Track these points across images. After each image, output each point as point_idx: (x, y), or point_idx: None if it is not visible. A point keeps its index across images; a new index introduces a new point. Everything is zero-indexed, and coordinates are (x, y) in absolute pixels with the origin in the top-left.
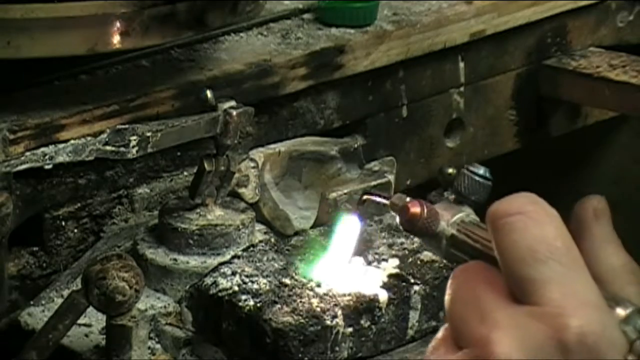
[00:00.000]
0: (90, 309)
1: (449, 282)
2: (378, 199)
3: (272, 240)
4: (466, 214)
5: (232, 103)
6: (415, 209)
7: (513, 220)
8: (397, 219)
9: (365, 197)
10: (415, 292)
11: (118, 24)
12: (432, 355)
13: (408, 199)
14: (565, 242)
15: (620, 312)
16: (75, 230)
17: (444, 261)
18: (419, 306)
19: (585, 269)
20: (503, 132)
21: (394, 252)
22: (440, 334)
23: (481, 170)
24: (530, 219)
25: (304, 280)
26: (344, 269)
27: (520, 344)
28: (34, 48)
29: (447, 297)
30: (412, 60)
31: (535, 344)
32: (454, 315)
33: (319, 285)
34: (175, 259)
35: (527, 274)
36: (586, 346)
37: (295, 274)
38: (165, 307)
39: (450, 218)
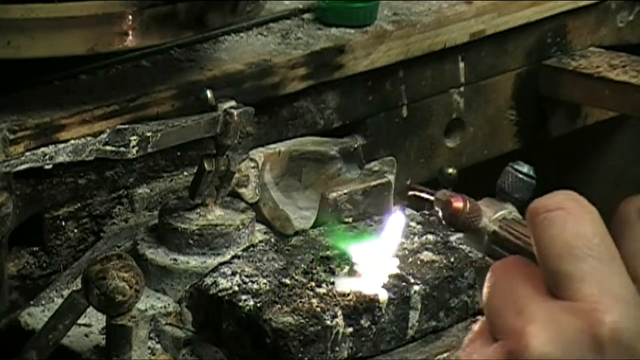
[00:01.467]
0: (90, 309)
1: (488, 275)
2: (424, 195)
3: (272, 240)
4: (508, 211)
5: (232, 103)
6: (458, 203)
7: (552, 215)
8: (440, 213)
9: (410, 192)
10: (415, 292)
11: (118, 24)
12: (469, 347)
13: (451, 194)
14: (603, 239)
15: None
16: (75, 230)
17: (444, 261)
18: (419, 306)
19: (622, 267)
20: (503, 132)
21: (394, 252)
22: (477, 326)
23: (525, 169)
24: (570, 214)
25: (305, 280)
26: (384, 261)
27: (555, 337)
28: (34, 48)
29: (485, 290)
30: (412, 60)
31: (570, 338)
32: (491, 308)
33: (319, 286)
34: (175, 259)
35: (564, 269)
36: (620, 342)
37: (296, 273)
38: (165, 307)
39: (493, 214)
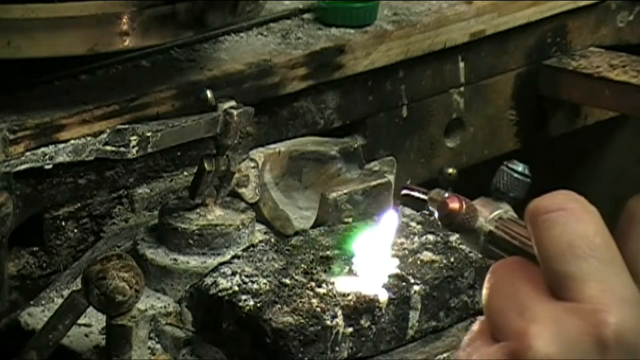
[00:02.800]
0: (90, 309)
1: (487, 276)
2: (417, 194)
3: (272, 240)
4: (504, 210)
5: (232, 103)
6: (454, 204)
7: (554, 216)
8: (436, 214)
9: (404, 192)
10: (415, 292)
11: (118, 24)
12: (468, 347)
13: (446, 194)
14: (604, 240)
15: None
16: (75, 230)
17: (444, 261)
18: (419, 306)
19: (624, 267)
20: (503, 132)
21: (394, 252)
22: (476, 326)
23: (520, 167)
24: (571, 215)
25: (305, 280)
26: (380, 262)
27: (558, 338)
28: (34, 48)
29: (484, 291)
30: (412, 60)
31: (573, 339)
32: (491, 308)
33: (319, 286)
34: (175, 259)
35: (566, 270)
36: (624, 343)
37: (296, 273)
38: (165, 307)
39: (489, 214)
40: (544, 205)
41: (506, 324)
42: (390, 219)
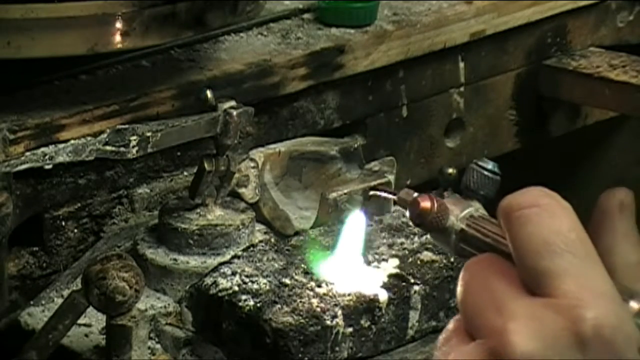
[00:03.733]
0: (90, 309)
1: (461, 273)
2: (385, 194)
3: (272, 240)
4: (475, 208)
5: (232, 103)
6: (426, 203)
7: (527, 212)
8: (407, 214)
9: (372, 192)
10: (415, 292)
11: (118, 24)
12: (444, 347)
13: (416, 194)
14: (579, 235)
15: (634, 305)
16: (75, 230)
17: (444, 261)
18: (419, 306)
19: (599, 262)
20: (503, 132)
21: (394, 252)
22: (451, 325)
23: (490, 165)
24: (545, 211)
25: (305, 280)
26: (350, 267)
27: (537, 334)
28: (34, 48)
29: (459, 289)
30: (412, 60)
31: (551, 335)
32: (467, 306)
33: (319, 286)
34: (175, 259)
35: (542, 266)
36: (602, 337)
37: (296, 273)
38: (165, 307)
39: (460, 213)
40: (517, 201)
41: (483, 321)
42: (357, 222)
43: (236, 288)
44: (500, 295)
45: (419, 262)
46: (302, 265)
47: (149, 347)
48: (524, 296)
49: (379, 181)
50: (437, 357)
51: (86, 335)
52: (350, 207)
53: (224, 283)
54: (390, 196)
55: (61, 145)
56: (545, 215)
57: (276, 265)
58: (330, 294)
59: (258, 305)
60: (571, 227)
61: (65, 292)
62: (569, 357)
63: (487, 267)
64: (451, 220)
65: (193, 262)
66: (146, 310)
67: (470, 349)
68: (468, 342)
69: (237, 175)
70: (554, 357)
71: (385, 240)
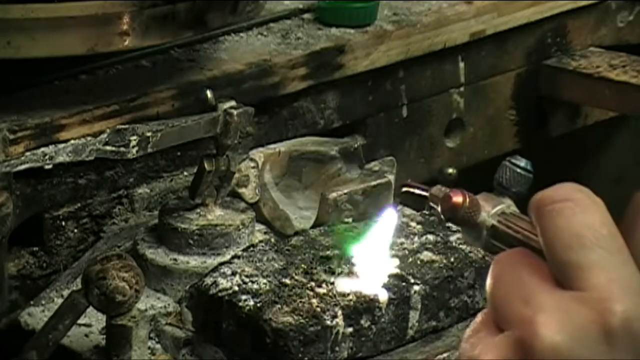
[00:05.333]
0: (90, 309)
1: (492, 265)
2: (418, 191)
3: (272, 240)
4: (507, 205)
5: (232, 103)
6: (458, 198)
7: (559, 206)
8: (439, 208)
9: (404, 188)
10: (415, 292)
11: (118, 24)
12: (472, 339)
13: (448, 189)
14: (610, 230)
15: None
16: (75, 230)
17: (444, 261)
18: (419, 306)
19: (630, 257)
20: (503, 132)
21: (394, 252)
22: (479, 317)
23: (522, 162)
24: (577, 205)
25: (305, 280)
26: (380, 260)
27: (565, 327)
28: (34, 48)
29: (489, 281)
30: (412, 60)
31: (580, 327)
32: (496, 298)
33: (319, 286)
34: (175, 259)
35: (572, 260)
36: (631, 331)
37: (296, 273)
38: (165, 307)
39: (491, 209)
40: (549, 195)
41: (511, 312)
42: (389, 218)
43: (236, 288)
44: (529, 288)
45: (419, 262)
46: (302, 265)
47: (149, 347)
48: (553, 289)
49: (379, 181)
50: (464, 349)
51: (86, 335)
52: (351, 208)
53: (224, 283)
54: (423, 192)
55: (61, 145)
56: (578, 209)
57: (276, 265)
58: (330, 294)
59: (258, 305)
60: (603, 222)
61: (65, 292)
62: (597, 349)
63: (518, 260)
64: (483, 216)
65: (193, 262)
66: (146, 310)
67: (497, 340)
68: (497, 334)
69: (237, 175)
70: (581, 349)
71: None
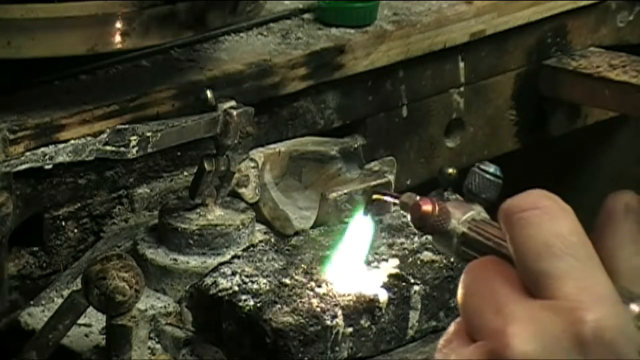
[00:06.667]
0: (90, 309)
1: (463, 275)
2: (388, 198)
3: (272, 240)
4: (477, 212)
5: (232, 103)
6: (427, 206)
7: (528, 215)
8: (409, 217)
9: (375, 196)
10: (415, 292)
11: (118, 24)
12: (445, 349)
13: (418, 197)
14: (580, 238)
15: (635, 308)
16: (75, 230)
17: (444, 261)
18: (419, 306)
19: (600, 265)
20: (503, 132)
21: (394, 252)
22: (452, 327)
23: (492, 169)
24: (546, 213)
25: (305, 280)
26: (356, 268)
27: (536, 336)
28: (34, 48)
29: (460, 291)
30: (412, 60)
31: (551, 337)
32: (467, 308)
33: (319, 286)
34: (175, 259)
35: (542, 268)
36: (602, 340)
37: (296, 273)
38: (165, 307)
39: (461, 216)
40: (517, 204)
41: (483, 323)
42: (362, 224)
43: (236, 288)
44: (500, 297)
45: (419, 262)
46: (302, 265)
47: (149, 347)
48: (524, 298)
49: (379, 181)
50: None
51: (86, 335)
52: (351, 208)
53: (224, 283)
54: (393, 200)
55: (61, 145)
56: (546, 217)
57: (276, 265)
58: (330, 294)
59: (258, 305)
60: (572, 230)
61: (65, 292)
62: (569, 359)
63: (489, 269)
64: (453, 224)
65: (193, 262)
66: (146, 310)
67: (470, 351)
68: (469, 344)
69: (237, 175)
70: (553, 359)
71: (385, 240)
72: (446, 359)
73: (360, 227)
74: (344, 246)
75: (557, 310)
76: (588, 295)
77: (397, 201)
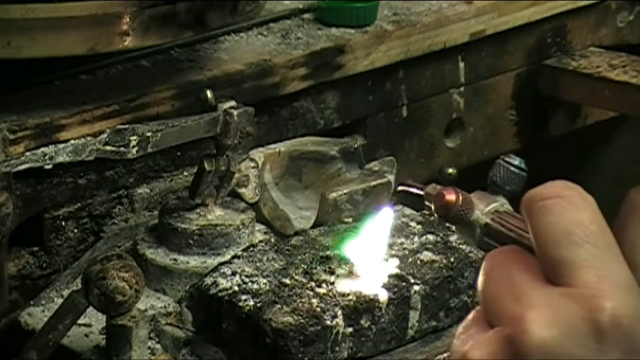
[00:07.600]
0: (90, 309)
1: (483, 263)
2: (413, 190)
3: (272, 240)
4: (500, 203)
5: (232, 103)
6: (451, 196)
7: (550, 203)
8: (432, 206)
9: (400, 187)
10: (415, 292)
11: (118, 24)
12: (463, 335)
13: (442, 187)
14: (600, 227)
15: None
16: (75, 230)
17: (444, 261)
18: (419, 306)
19: (619, 254)
20: (503, 132)
21: (394, 252)
22: (471, 315)
23: (516, 161)
24: (568, 202)
25: (305, 280)
26: (377, 261)
27: (554, 323)
28: (34, 48)
29: (480, 278)
30: (412, 60)
31: (569, 324)
32: (487, 295)
33: (319, 286)
34: (175, 259)
35: (562, 256)
36: (620, 328)
37: (296, 273)
38: (165, 307)
39: (485, 207)
40: (540, 192)
41: (502, 309)
42: (386, 217)
43: (236, 288)
44: (519, 284)
45: (419, 262)
46: (302, 265)
47: (149, 347)
48: (543, 285)
49: (379, 181)
50: (455, 345)
51: (86, 335)
52: (351, 208)
53: (224, 283)
54: (419, 191)
55: (61, 145)
56: (568, 206)
57: (276, 265)
58: (330, 294)
59: (258, 305)
60: (593, 219)
61: (65, 292)
62: (586, 346)
63: (509, 258)
64: (476, 214)
65: (193, 262)
66: (146, 310)
67: (487, 337)
68: (487, 330)
69: (237, 175)
70: (570, 345)
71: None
72: (463, 345)
73: (385, 220)
74: (366, 238)
75: (576, 298)
76: (607, 283)
77: (421, 192)
